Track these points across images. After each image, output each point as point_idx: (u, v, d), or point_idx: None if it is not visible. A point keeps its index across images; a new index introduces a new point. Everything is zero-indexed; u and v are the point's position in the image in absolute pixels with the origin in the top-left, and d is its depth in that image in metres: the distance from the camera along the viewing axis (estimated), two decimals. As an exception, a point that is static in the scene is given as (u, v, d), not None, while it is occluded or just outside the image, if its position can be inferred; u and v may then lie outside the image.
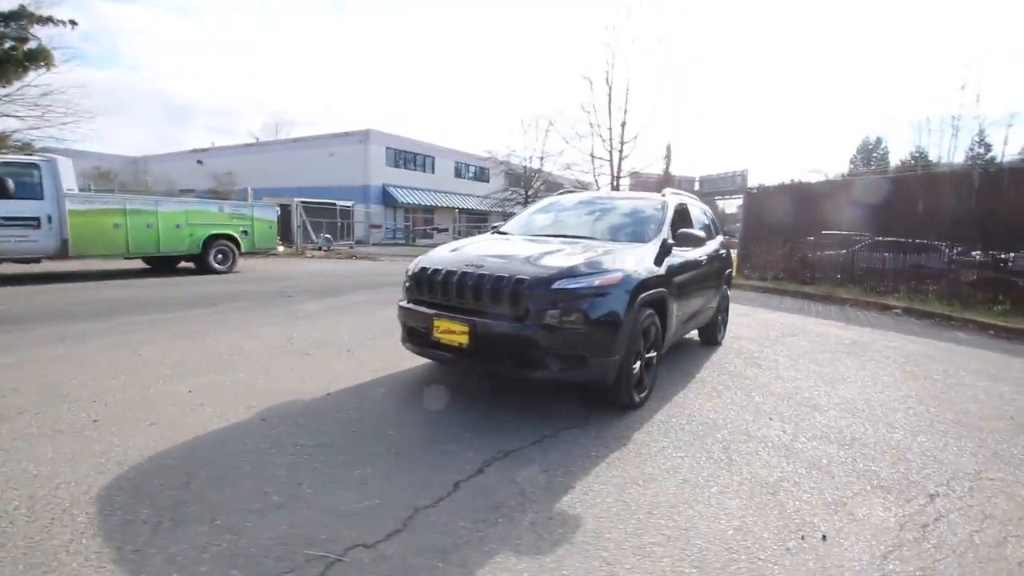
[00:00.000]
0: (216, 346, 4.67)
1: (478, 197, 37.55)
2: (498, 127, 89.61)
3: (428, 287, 3.43)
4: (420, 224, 35.33)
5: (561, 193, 5.41)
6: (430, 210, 36.54)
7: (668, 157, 30.78)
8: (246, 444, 2.69)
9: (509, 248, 3.73)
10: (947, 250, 12.06)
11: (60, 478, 2.26)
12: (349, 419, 3.10)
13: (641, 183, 25.28)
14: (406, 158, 35.23)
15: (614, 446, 2.89)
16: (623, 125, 21.76)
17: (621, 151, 22.10)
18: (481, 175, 39.33)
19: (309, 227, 21.36)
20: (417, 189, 34.84)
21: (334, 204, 23.59)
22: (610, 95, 21.64)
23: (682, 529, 2.12)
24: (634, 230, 4.18)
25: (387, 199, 32.89)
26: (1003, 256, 11.35)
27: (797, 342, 6.19)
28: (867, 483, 2.63)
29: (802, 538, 2.10)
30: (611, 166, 22.26)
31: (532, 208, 5.16)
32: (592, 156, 22.79)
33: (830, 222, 13.07)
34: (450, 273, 3.32)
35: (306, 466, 2.48)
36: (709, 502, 2.34)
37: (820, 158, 75.67)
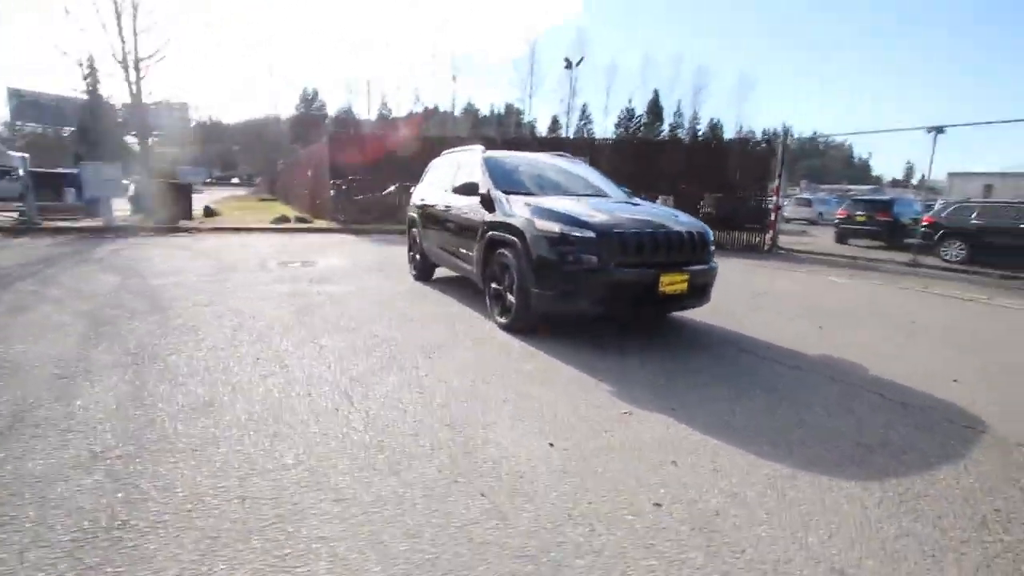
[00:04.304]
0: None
1: None
2: None
3: (636, 248, 3.56)
4: None
5: (459, 151, 5.54)
6: None
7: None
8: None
9: (611, 207, 4.01)
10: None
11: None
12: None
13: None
14: None
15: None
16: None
17: (137, 66, 17.68)
18: None
19: None
20: None
21: None
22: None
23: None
24: (611, 186, 5.09)
25: None
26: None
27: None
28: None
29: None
30: (129, 84, 17.56)
31: (498, 165, 4.69)
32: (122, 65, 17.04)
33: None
34: (653, 234, 3.62)
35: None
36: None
37: (273, 101, 78.48)
